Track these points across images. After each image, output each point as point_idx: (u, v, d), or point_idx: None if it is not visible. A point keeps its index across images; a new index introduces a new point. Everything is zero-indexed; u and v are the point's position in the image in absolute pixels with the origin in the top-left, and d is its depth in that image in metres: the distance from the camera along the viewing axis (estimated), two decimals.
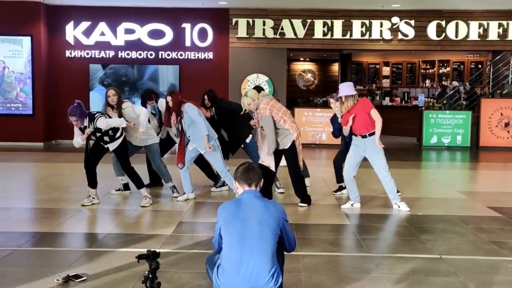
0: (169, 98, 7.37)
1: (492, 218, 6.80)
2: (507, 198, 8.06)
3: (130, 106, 7.47)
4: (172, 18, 14.39)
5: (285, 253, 3.80)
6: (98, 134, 6.98)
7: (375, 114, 6.90)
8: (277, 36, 14.31)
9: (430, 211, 7.19)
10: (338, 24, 14.30)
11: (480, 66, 18.06)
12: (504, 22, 14.14)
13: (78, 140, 6.97)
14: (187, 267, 4.80)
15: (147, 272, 3.54)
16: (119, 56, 14.47)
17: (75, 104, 6.87)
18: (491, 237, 5.90)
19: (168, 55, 14.49)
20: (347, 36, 14.35)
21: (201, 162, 8.09)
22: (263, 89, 7.86)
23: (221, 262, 3.53)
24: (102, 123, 6.88)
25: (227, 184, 7.99)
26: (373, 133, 6.94)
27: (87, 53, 14.49)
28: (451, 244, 5.67)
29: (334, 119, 7.91)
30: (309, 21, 14.27)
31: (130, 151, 7.45)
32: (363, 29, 14.31)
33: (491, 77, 16.85)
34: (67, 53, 14.50)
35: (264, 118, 6.96)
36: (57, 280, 4.36)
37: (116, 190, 7.96)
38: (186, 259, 5.05)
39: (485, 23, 14.19)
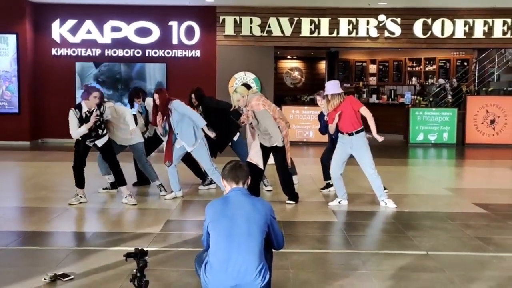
0: (156, 96, 7.36)
1: (478, 215, 6.87)
2: (492, 195, 8.14)
3: (112, 106, 7.45)
4: (159, 16, 14.34)
5: (273, 250, 3.81)
6: (97, 123, 6.97)
7: (365, 111, 6.94)
8: (264, 34, 14.31)
9: (417, 207, 7.25)
10: (325, 22, 14.32)
11: (465, 63, 18.20)
12: (489, 20, 14.26)
13: (82, 129, 6.85)
14: (175, 265, 4.80)
15: (135, 271, 3.53)
16: (106, 54, 14.40)
17: (87, 84, 6.98)
18: (477, 233, 5.95)
19: (155, 53, 14.44)
20: (334, 34, 14.38)
21: (188, 160, 8.08)
22: (251, 87, 7.88)
23: (208, 259, 3.53)
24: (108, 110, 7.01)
25: (214, 182, 7.98)
26: (359, 131, 6.98)
27: (73, 51, 14.40)
28: (437, 240, 5.72)
29: (321, 116, 7.94)
30: (296, 19, 14.28)
31: (115, 150, 7.45)
32: (350, 27, 14.35)
33: (476, 74, 17.01)
34: (53, 51, 14.41)
35: (260, 113, 6.99)
36: (45, 279, 4.34)
37: (103, 189, 7.93)
38: (174, 257, 5.05)
39: (470, 21, 14.29)
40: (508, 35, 14.25)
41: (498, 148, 14.17)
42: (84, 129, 6.86)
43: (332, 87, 7.00)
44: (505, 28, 14.23)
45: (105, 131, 7.12)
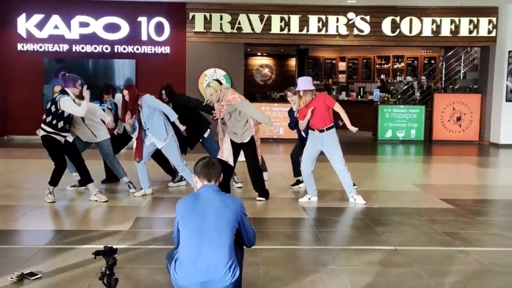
0: (125, 92, 7.31)
1: (445, 210, 6.99)
2: (458, 191, 8.30)
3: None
4: (128, 12, 14.18)
5: (244, 247, 3.81)
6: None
7: (338, 108, 7.03)
8: (235, 31, 14.28)
9: (386, 203, 7.34)
10: (295, 19, 14.37)
11: (433, 61, 18.49)
12: (456, 19, 14.48)
13: (84, 105, 6.78)
14: (145, 263, 4.76)
15: (104, 269, 3.49)
16: (74, 50, 14.18)
17: (65, 73, 6.97)
18: (444, 228, 6.06)
19: (124, 49, 14.28)
20: (304, 31, 14.43)
21: (158, 157, 8.03)
22: (222, 83, 7.88)
23: (179, 256, 3.52)
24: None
25: (184, 179, 7.95)
26: (330, 127, 7.03)
27: (40, 47, 14.14)
28: (405, 235, 5.81)
29: (291, 112, 7.98)
30: (266, 16, 14.29)
31: (80, 147, 7.36)
32: (320, 24, 14.42)
33: (443, 72, 17.30)
34: (19, 46, 14.12)
35: (239, 104, 7.03)
36: (11, 278, 4.26)
37: (71, 186, 7.83)
38: (143, 254, 5.02)
39: (438, 19, 14.50)
40: (474, 34, 14.51)
41: (464, 145, 14.44)
42: (86, 104, 6.81)
43: (304, 83, 7.02)
44: (471, 26, 14.47)
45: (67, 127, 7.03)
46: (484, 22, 14.45)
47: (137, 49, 14.30)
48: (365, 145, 14.42)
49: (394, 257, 5.05)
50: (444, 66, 17.37)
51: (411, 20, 14.49)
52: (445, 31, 14.55)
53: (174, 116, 7.28)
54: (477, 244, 5.53)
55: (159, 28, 14.28)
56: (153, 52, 14.33)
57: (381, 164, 11.99)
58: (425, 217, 6.58)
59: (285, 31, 14.40)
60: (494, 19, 14.42)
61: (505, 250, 5.39)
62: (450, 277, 4.53)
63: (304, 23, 14.39)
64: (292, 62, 20.99)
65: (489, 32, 14.46)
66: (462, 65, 16.75)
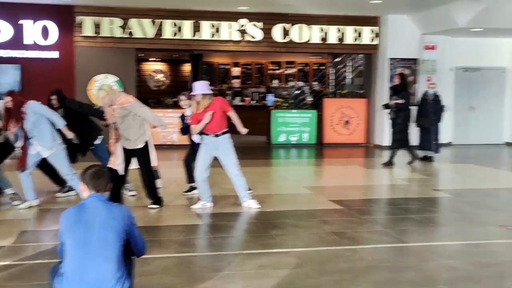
0: (8, 99, 6.94)
1: (334, 211, 7.26)
2: (346, 192, 8.66)
3: None
4: (9, 14, 13.37)
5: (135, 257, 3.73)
6: None
7: (232, 113, 7.11)
8: (125, 36, 13.96)
9: (280, 207, 7.48)
10: (187, 25, 14.31)
11: (322, 67, 19.17)
12: (342, 27, 15.11)
13: None
14: (28, 279, 4.53)
15: None
16: None
17: None
18: (333, 228, 6.29)
19: (7, 53, 13.49)
20: (197, 37, 14.42)
21: (45, 166, 7.65)
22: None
23: (64, 270, 3.37)
24: None
25: (74, 189, 7.65)
26: (225, 132, 7.07)
27: None
28: (298, 237, 5.97)
29: (183, 117, 7.93)
30: (158, 21, 14.11)
31: None
32: (213, 30, 14.48)
33: (332, 78, 18.00)
34: None
35: (133, 105, 6.92)
36: None
37: None
38: (27, 271, 4.77)
39: (325, 27, 15.04)
40: (358, 42, 15.20)
41: (352, 147, 15.09)
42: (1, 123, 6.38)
43: (202, 87, 7.00)
44: (356, 35, 15.15)
45: None
46: (367, 31, 15.18)
47: (22, 53, 13.56)
48: (259, 149, 14.65)
49: (286, 259, 5.16)
50: (332, 72, 18.07)
51: (300, 28, 14.92)
52: (332, 39, 15.11)
53: (61, 124, 7.01)
54: (363, 242, 5.81)
55: (45, 32, 13.63)
56: (39, 57, 13.64)
57: (275, 168, 12.24)
58: (317, 219, 6.80)
59: (178, 37, 14.30)
60: (376, 28, 15.19)
61: (387, 246, 5.71)
62: (337, 275, 4.71)
63: (197, 28, 14.37)
64: (186, 67, 20.89)
65: (372, 40, 15.22)
66: (350, 71, 17.51)
